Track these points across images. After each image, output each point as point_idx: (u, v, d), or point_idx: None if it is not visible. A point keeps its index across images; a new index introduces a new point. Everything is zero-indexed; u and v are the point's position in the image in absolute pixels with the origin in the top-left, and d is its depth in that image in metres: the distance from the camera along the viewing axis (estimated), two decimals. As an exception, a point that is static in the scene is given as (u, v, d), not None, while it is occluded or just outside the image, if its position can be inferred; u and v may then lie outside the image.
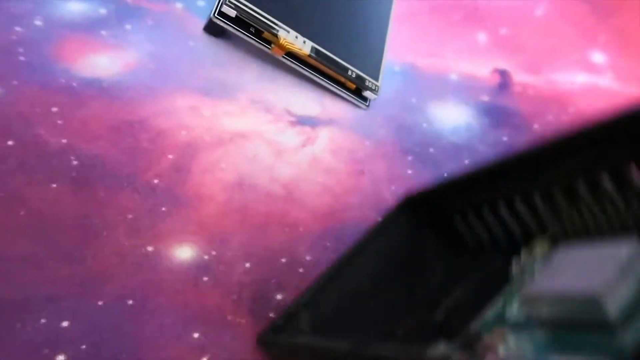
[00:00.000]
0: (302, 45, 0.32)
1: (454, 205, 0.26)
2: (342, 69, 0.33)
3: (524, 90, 0.42)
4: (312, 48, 0.32)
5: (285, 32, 0.32)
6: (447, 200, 0.26)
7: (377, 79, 0.34)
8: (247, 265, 0.29)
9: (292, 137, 0.34)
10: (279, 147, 0.33)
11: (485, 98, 0.41)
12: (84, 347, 0.25)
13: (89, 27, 0.32)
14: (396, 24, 0.40)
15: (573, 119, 0.42)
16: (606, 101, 0.44)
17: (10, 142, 0.28)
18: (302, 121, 0.34)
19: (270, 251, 0.30)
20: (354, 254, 0.27)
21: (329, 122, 0.35)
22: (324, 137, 0.34)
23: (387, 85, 0.37)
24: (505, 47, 0.45)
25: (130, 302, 0.27)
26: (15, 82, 0.29)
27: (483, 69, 0.42)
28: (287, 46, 0.32)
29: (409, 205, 0.27)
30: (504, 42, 0.45)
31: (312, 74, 0.34)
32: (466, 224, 0.25)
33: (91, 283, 0.26)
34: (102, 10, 0.33)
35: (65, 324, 0.25)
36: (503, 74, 0.43)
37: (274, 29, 0.32)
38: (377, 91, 0.34)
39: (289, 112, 0.34)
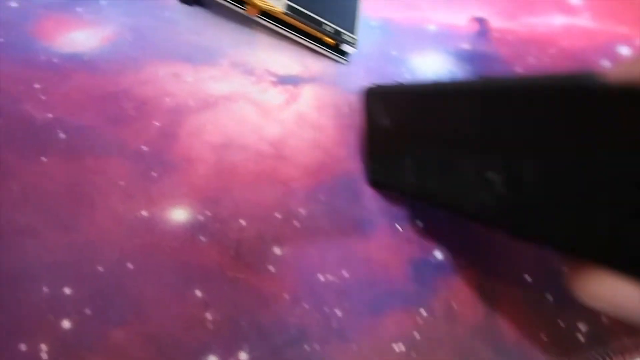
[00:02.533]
0: (276, 2, 0.32)
1: None
2: (317, 24, 0.33)
3: (503, 36, 0.42)
4: (286, 5, 0.32)
5: (259, -9, 0.32)
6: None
7: (353, 32, 0.35)
8: (242, 222, 0.30)
9: (275, 96, 0.34)
10: (264, 107, 0.33)
11: (465, 46, 0.41)
12: (88, 311, 0.25)
13: (64, 5, 0.32)
14: (370, -19, 0.40)
15: (555, 59, 0.42)
16: (586, 41, 0.44)
17: (-4, 120, 0.28)
18: (284, 80, 0.35)
19: (264, 208, 0.31)
20: None
21: (311, 79, 0.35)
22: (308, 94, 0.35)
23: (366, 40, 0.37)
24: (482, -5, 0.45)
25: (130, 265, 0.27)
26: (-5, 62, 0.29)
27: (460, 18, 0.42)
28: (260, 5, 0.32)
29: None
30: (479, -9, 0.45)
31: (289, 32, 0.34)
32: None
33: (89, 249, 0.27)
34: (75, -13, 0.33)
35: (67, 290, 0.26)
36: (481, 22, 0.43)
37: (247, -12, 0.32)
38: (356, 44, 0.34)
39: (270, 73, 0.34)
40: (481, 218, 0.22)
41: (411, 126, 0.27)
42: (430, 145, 0.25)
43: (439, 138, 0.24)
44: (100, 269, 0.26)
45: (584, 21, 0.46)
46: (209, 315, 0.27)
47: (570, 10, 0.46)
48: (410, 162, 0.27)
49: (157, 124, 0.31)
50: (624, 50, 0.44)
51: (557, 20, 0.45)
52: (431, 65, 0.39)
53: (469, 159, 0.22)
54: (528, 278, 0.32)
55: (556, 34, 0.44)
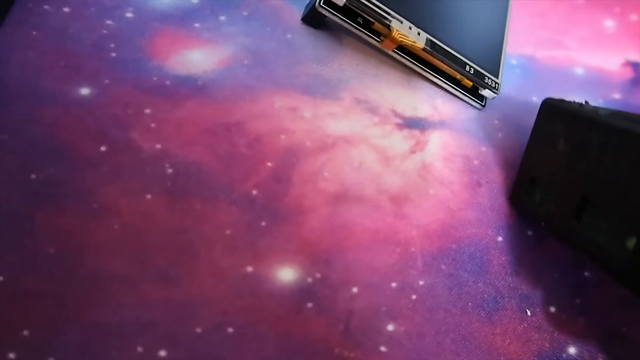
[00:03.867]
0: (417, 37, 0.28)
1: None
2: (459, 64, 0.29)
3: (661, 86, 0.36)
4: (427, 40, 0.28)
5: (399, 23, 0.28)
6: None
7: (497, 76, 0.30)
8: (354, 290, 0.26)
9: (400, 141, 0.30)
10: (386, 154, 0.29)
11: (616, 95, 0.35)
12: (183, 379, 0.23)
13: (181, 19, 0.30)
14: (513, 11, 0.35)
15: None
16: None
17: (103, 148, 0.26)
18: (411, 124, 0.30)
19: (378, 274, 0.27)
20: None
21: (440, 124, 0.31)
22: (435, 141, 0.30)
23: (504, 81, 0.32)
24: (637, 35, 0.39)
25: (230, 329, 0.24)
26: (107, 81, 0.27)
27: (613, 61, 0.37)
28: (400, 39, 0.28)
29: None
30: (635, 30, 0.39)
31: (425, 69, 0.30)
32: None
33: (189, 307, 0.24)
34: (194, 0, 0.30)
35: (162, 353, 0.23)
36: (636, 67, 0.37)
37: (386, 19, 0.28)
38: (498, 89, 0.30)
39: (396, 113, 0.30)
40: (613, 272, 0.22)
41: (591, 163, 0.23)
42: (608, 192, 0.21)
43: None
44: (198, 330, 0.24)
45: None
46: (310, 399, 0.23)
47: None
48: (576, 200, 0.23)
49: (269, 164, 0.27)
50: None
51: None
52: (577, 117, 0.33)
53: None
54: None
55: None
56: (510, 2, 0.33)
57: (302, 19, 0.32)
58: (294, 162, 0.28)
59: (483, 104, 0.31)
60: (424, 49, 0.29)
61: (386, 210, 0.28)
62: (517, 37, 0.35)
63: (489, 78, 0.30)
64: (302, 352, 0.24)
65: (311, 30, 0.32)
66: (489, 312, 0.27)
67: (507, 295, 0.28)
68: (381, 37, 0.29)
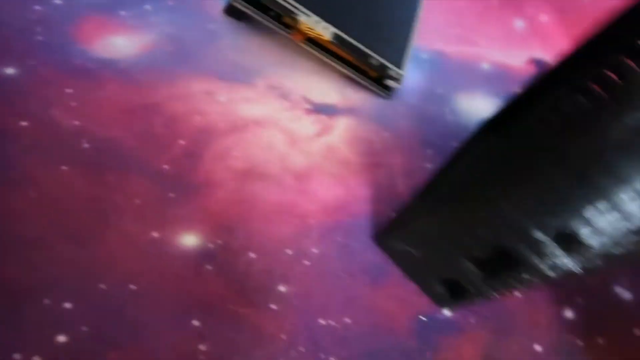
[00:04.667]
0: (323, 30, 0.31)
1: None
2: (364, 56, 0.32)
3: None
4: (334, 34, 0.31)
5: (306, 17, 0.31)
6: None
7: (401, 68, 0.33)
8: (252, 255, 0.29)
9: (307, 126, 0.33)
10: (294, 136, 0.32)
11: (519, 90, 0.38)
12: (84, 328, 0.25)
13: (109, 7, 0.32)
14: (428, 8, 0.38)
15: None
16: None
17: (24, 123, 0.28)
18: (320, 109, 0.33)
19: (276, 242, 0.30)
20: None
21: (348, 111, 0.34)
22: (341, 126, 0.33)
23: (412, 73, 0.35)
24: (545, 35, 0.42)
25: (133, 287, 0.27)
26: (32, 62, 0.29)
27: (518, 58, 0.40)
28: (308, 31, 0.30)
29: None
30: (544, 30, 0.42)
31: (333, 60, 0.33)
32: None
33: (96, 266, 0.27)
34: (123, -10, 0.33)
35: (68, 305, 0.26)
36: (539, 64, 0.40)
37: (294, 13, 0.31)
38: (400, 81, 0.33)
39: (306, 100, 0.33)
40: None
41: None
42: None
43: None
44: (103, 287, 0.26)
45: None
46: (202, 347, 0.26)
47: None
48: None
49: (182, 143, 0.30)
50: None
51: None
52: (477, 108, 0.36)
53: None
54: (538, 347, 0.30)
55: None
56: (421, 0, 0.36)
57: (224, 11, 0.34)
58: (206, 141, 0.31)
59: (389, 93, 0.34)
60: (330, 42, 0.32)
61: (289, 187, 0.31)
62: (431, 33, 0.38)
63: (392, 70, 0.33)
64: (199, 308, 0.27)
65: (232, 22, 0.34)
66: (375, 278, 0.30)
67: (392, 263, 0.31)
68: (291, 30, 0.32)
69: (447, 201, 0.26)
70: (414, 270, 0.30)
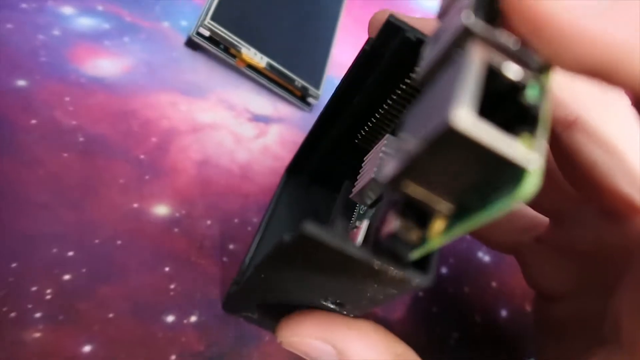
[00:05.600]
0: (259, 60, 0.42)
1: None
2: (290, 80, 0.43)
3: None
4: (267, 62, 0.43)
5: (247, 49, 0.42)
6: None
7: (318, 89, 0.45)
8: (209, 222, 0.39)
9: (249, 129, 0.44)
10: (239, 137, 0.43)
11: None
12: (84, 270, 0.34)
13: (95, 38, 0.42)
14: (339, 46, 0.51)
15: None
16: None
17: (33, 121, 0.37)
18: (258, 118, 0.44)
19: (226, 213, 0.40)
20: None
21: (279, 120, 0.45)
22: (274, 131, 0.45)
23: (327, 93, 0.47)
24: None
25: (119, 242, 0.36)
26: (38, 77, 0.39)
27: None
28: (248, 60, 0.42)
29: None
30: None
31: (267, 82, 0.44)
32: None
33: (90, 226, 0.36)
34: (106, 26, 0.43)
35: (70, 253, 0.35)
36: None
37: (237, 47, 0.42)
38: (318, 98, 0.45)
39: (248, 111, 0.44)
40: None
41: None
42: None
43: None
44: (96, 241, 0.35)
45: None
46: (172, 286, 0.36)
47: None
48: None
49: (154, 140, 0.40)
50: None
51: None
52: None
53: None
54: (420, 293, 0.42)
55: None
56: (333, 40, 0.49)
57: (185, 44, 0.45)
58: (172, 139, 0.41)
59: (310, 107, 0.46)
60: (265, 68, 0.43)
61: (235, 174, 0.42)
62: (340, 64, 0.51)
63: (312, 90, 0.45)
64: (169, 258, 0.37)
65: (191, 51, 0.45)
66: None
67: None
68: (235, 58, 0.43)
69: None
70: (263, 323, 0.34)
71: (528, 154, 0.11)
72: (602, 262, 0.23)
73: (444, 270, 0.44)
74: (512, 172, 0.11)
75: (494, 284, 0.45)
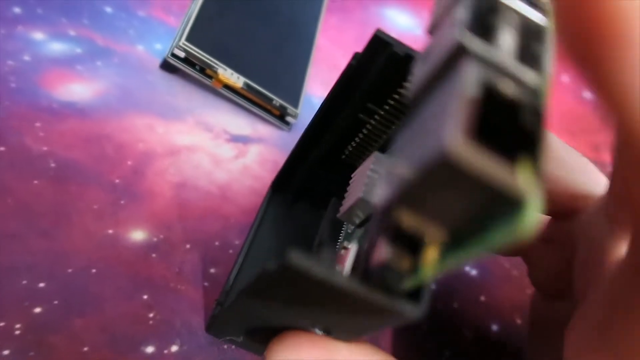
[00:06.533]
0: (236, 80, 0.42)
1: None
2: (268, 99, 0.43)
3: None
4: (244, 82, 0.42)
5: (223, 70, 0.42)
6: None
7: (297, 108, 0.44)
8: (188, 246, 0.38)
9: (227, 150, 0.43)
10: (217, 158, 0.42)
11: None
12: (56, 302, 0.33)
13: (67, 63, 0.41)
14: (329, 57, 0.51)
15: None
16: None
17: (2, 148, 0.36)
18: (236, 139, 0.44)
19: (206, 236, 0.39)
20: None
21: (258, 140, 0.44)
22: (253, 151, 0.44)
23: (305, 112, 0.47)
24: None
25: (94, 270, 0.34)
26: (7, 103, 0.38)
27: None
28: (224, 80, 0.41)
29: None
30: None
31: (245, 102, 0.43)
32: None
33: (63, 255, 0.34)
34: (78, 50, 0.42)
35: (41, 284, 0.33)
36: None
37: (214, 67, 0.42)
38: (297, 117, 0.44)
39: (226, 132, 0.43)
40: None
41: None
42: None
43: None
44: (69, 270, 0.34)
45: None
46: (151, 314, 0.34)
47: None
48: None
49: (130, 163, 0.39)
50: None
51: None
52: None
53: None
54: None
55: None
56: (310, 60, 0.48)
57: (160, 66, 0.44)
58: (148, 162, 0.40)
59: (289, 126, 0.45)
60: (242, 88, 0.43)
61: (215, 195, 0.41)
62: (318, 83, 0.50)
63: (290, 109, 0.44)
64: (147, 285, 0.35)
65: (167, 74, 0.45)
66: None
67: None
68: (212, 79, 0.43)
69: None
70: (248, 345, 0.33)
71: (528, 186, 0.10)
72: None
73: (432, 286, 0.43)
74: (510, 205, 0.11)
75: (482, 297, 0.44)
